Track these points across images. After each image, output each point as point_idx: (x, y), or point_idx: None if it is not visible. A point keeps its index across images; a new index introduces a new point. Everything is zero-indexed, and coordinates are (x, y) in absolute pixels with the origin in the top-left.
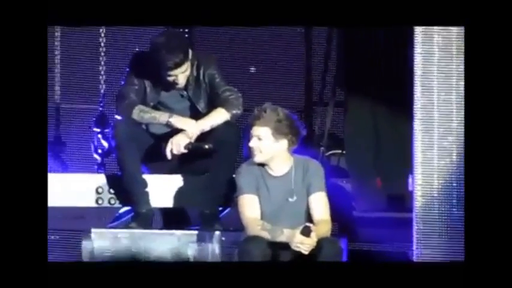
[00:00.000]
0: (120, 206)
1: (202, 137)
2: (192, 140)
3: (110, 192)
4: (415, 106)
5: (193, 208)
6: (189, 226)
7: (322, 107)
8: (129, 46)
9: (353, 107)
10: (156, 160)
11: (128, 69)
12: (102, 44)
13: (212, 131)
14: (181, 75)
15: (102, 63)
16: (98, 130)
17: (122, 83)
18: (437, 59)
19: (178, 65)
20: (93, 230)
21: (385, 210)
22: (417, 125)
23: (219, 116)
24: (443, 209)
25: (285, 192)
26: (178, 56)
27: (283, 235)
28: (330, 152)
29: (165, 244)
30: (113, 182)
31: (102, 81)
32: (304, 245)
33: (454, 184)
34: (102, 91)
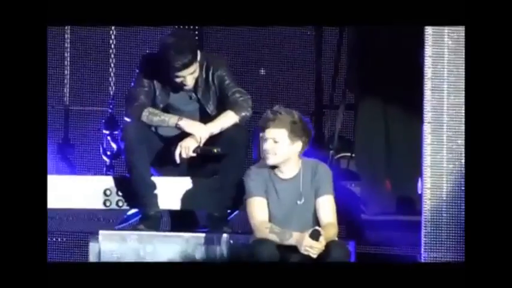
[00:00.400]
0: (127, 208)
1: (212, 139)
2: (201, 144)
3: (118, 195)
4: (424, 109)
5: (201, 210)
6: (197, 228)
7: (332, 110)
8: (138, 47)
9: (363, 109)
10: (165, 162)
11: (137, 71)
12: (112, 46)
13: (221, 133)
14: (189, 76)
15: (112, 64)
16: (107, 132)
17: (132, 84)
18: (447, 62)
19: (186, 66)
20: (100, 231)
21: (394, 213)
22: (426, 128)
23: (228, 119)
24: (452, 212)
25: (293, 195)
26: (187, 57)
27: (292, 238)
28: (340, 155)
29: (173, 246)
30: (121, 184)
31: (111, 83)
32: (313, 248)
33: (463, 187)
34: (111, 93)
